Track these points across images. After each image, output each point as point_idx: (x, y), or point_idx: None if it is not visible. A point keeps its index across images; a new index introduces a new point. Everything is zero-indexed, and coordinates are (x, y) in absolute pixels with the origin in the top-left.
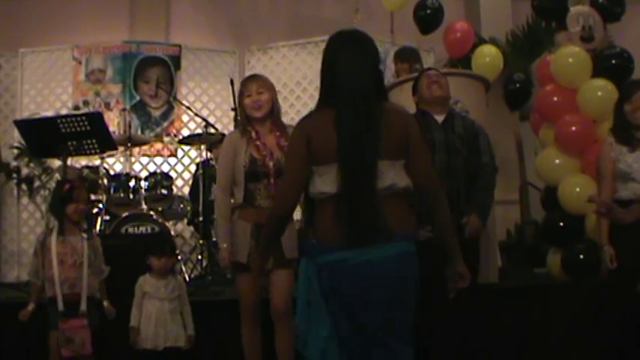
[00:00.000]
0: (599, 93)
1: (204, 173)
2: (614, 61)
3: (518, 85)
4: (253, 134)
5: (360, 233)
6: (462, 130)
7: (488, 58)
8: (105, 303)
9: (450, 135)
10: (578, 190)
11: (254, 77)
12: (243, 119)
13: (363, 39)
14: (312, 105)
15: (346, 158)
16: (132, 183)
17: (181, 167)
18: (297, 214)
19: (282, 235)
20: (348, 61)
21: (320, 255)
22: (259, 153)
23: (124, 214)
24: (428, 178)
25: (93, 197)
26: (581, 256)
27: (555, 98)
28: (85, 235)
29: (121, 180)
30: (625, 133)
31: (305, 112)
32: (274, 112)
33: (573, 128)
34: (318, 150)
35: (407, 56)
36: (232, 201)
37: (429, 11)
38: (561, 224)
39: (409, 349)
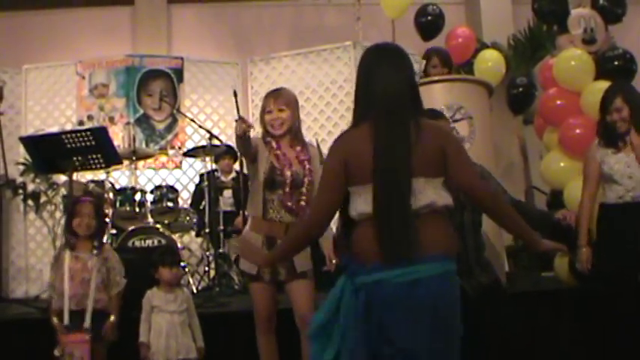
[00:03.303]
0: None
1: (210, 184)
2: (616, 63)
3: (521, 89)
4: (274, 144)
5: (395, 252)
6: None
7: (490, 62)
8: (111, 317)
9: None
10: None
11: (275, 93)
12: (264, 132)
13: (399, 53)
14: (315, 114)
15: (379, 176)
16: (137, 196)
17: (186, 179)
18: None
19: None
20: (384, 76)
21: (358, 275)
22: (279, 162)
23: (131, 228)
24: (474, 180)
25: None
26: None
27: (559, 101)
28: (94, 252)
29: (126, 194)
30: (609, 137)
31: (309, 121)
32: (293, 128)
33: (577, 131)
34: (355, 170)
35: None
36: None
37: (429, 18)
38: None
39: None
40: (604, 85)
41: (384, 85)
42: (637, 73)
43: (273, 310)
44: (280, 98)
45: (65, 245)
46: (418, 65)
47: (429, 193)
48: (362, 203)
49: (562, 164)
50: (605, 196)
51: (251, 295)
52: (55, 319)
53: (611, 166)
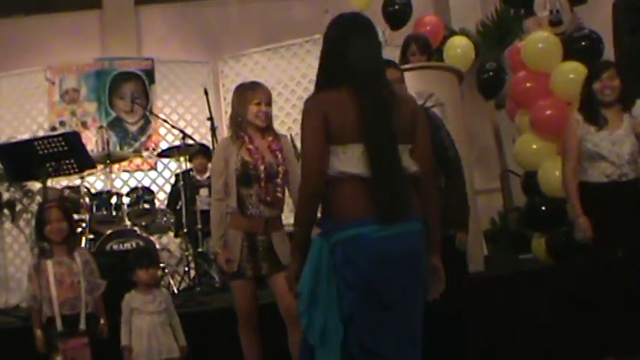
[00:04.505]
0: (571, 75)
1: (185, 184)
2: (583, 43)
3: (491, 74)
4: (246, 138)
5: (389, 213)
6: None
7: (459, 49)
8: (101, 320)
9: None
10: (557, 173)
11: (262, 87)
12: (238, 123)
13: (368, 21)
14: (288, 108)
15: (373, 139)
16: (114, 200)
17: (162, 180)
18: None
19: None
20: (360, 43)
21: (334, 233)
22: (251, 156)
23: (108, 232)
24: (425, 166)
25: (76, 217)
26: (565, 239)
27: (528, 84)
28: (76, 254)
29: (102, 198)
30: (592, 112)
31: (281, 115)
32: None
33: (548, 112)
34: (336, 129)
35: None
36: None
37: (397, 7)
38: (543, 209)
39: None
40: (572, 65)
41: (361, 53)
42: (604, 52)
43: (255, 306)
44: (268, 93)
45: (43, 254)
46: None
47: (403, 158)
48: (341, 163)
49: (534, 146)
50: (587, 175)
51: (232, 293)
52: (39, 332)
53: (596, 143)
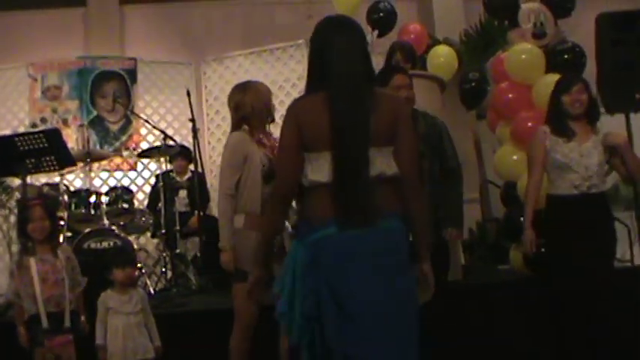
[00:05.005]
0: None
1: (165, 185)
2: (566, 56)
3: (473, 84)
4: (262, 136)
5: (353, 220)
6: (425, 130)
7: (442, 58)
8: (82, 317)
9: None
10: None
11: None
12: (264, 119)
13: (352, 24)
14: None
15: (339, 146)
16: (92, 198)
17: (141, 180)
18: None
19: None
20: (338, 45)
21: (308, 236)
22: (273, 153)
23: (86, 230)
24: (409, 167)
25: None
26: (543, 250)
27: (510, 95)
28: (59, 252)
29: (81, 196)
30: (561, 124)
31: None
32: None
33: (529, 124)
34: (309, 136)
35: None
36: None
37: (381, 14)
38: (522, 220)
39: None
40: (555, 77)
41: (341, 55)
42: (586, 65)
43: (258, 310)
44: None
45: (26, 251)
46: (370, 37)
47: (379, 163)
48: (313, 171)
49: (515, 157)
50: (555, 187)
51: (236, 294)
52: (22, 328)
53: (565, 154)
